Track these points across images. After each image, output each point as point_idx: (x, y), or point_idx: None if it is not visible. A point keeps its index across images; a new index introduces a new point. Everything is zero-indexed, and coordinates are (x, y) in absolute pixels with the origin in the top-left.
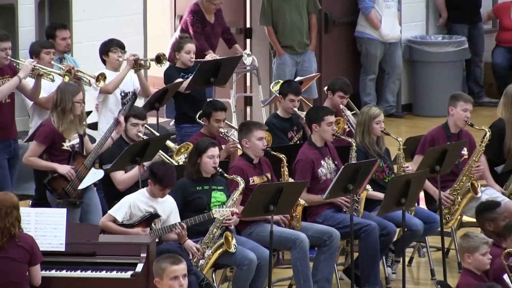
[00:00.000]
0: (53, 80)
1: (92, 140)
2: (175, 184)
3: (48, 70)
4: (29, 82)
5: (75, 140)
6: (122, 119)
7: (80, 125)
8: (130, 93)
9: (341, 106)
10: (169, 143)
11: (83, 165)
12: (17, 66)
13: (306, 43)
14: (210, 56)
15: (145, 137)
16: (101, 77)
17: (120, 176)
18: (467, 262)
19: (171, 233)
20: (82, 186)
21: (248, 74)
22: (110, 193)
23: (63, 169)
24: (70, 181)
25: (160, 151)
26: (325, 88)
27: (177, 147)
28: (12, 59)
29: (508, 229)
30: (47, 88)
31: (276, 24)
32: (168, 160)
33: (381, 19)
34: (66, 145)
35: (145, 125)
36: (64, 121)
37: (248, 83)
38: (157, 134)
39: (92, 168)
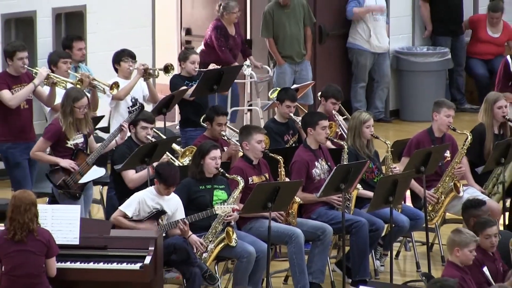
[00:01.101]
0: (66, 88)
1: (101, 141)
2: (181, 183)
3: (62, 79)
4: (46, 90)
5: (79, 139)
6: (125, 126)
7: (84, 126)
8: (138, 103)
9: (333, 111)
10: (174, 145)
11: (85, 162)
12: (34, 75)
13: (303, 53)
14: (212, 65)
15: (153, 140)
16: (115, 85)
17: (131, 175)
18: (455, 255)
19: (176, 228)
20: (83, 180)
21: (247, 83)
22: (121, 191)
23: (65, 162)
24: (71, 174)
25: (167, 152)
26: (319, 94)
27: (182, 149)
28: (29, 68)
29: (480, 226)
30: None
31: (276, 35)
32: (174, 161)
33: (370, 31)
34: (70, 143)
35: (153, 128)
36: (65, 122)
37: (247, 90)
38: (164, 137)
39: (94, 166)
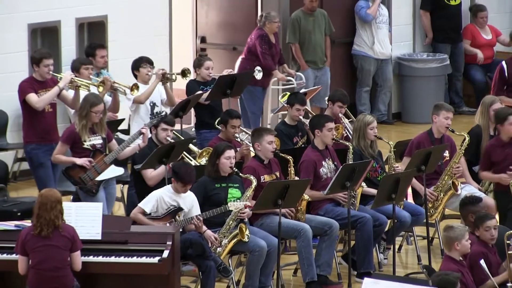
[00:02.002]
0: (89, 91)
1: (121, 143)
2: (197, 181)
3: (85, 82)
4: (70, 94)
5: (97, 141)
6: (146, 130)
7: (100, 130)
8: (162, 109)
9: (340, 114)
10: (192, 146)
11: (102, 161)
12: (58, 80)
13: (324, 60)
14: (226, 71)
15: (171, 141)
16: (135, 87)
17: (150, 174)
18: (455, 249)
19: (191, 224)
20: (100, 178)
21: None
22: (141, 189)
23: (80, 160)
24: (87, 171)
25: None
26: (326, 98)
27: (199, 150)
28: (54, 73)
29: (480, 219)
30: None
31: (302, 42)
32: (190, 160)
33: (374, 39)
34: (87, 144)
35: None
36: (79, 124)
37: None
38: (182, 138)
39: (112, 165)
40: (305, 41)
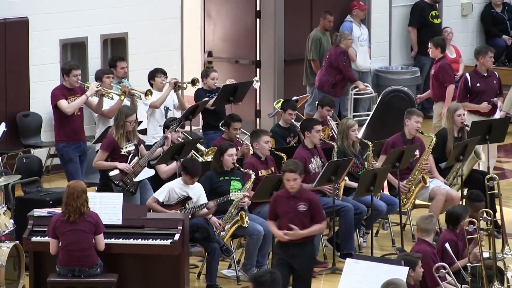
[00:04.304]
0: (112, 99)
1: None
2: (204, 175)
3: (108, 91)
4: (94, 100)
5: (131, 148)
6: (169, 135)
7: (133, 137)
8: (175, 113)
9: (327, 118)
10: (199, 145)
11: (137, 164)
12: (85, 88)
13: None
14: (229, 81)
15: (182, 140)
16: (149, 92)
17: (163, 168)
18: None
19: (201, 210)
20: (137, 179)
21: (257, 93)
22: (155, 182)
23: (122, 165)
24: (127, 175)
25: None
26: (316, 103)
27: (206, 149)
28: (81, 82)
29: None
30: (109, 103)
31: (320, 58)
32: (198, 157)
33: (356, 54)
34: (124, 151)
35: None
36: (117, 133)
37: (257, 100)
38: (191, 138)
39: (145, 168)
40: (324, 57)
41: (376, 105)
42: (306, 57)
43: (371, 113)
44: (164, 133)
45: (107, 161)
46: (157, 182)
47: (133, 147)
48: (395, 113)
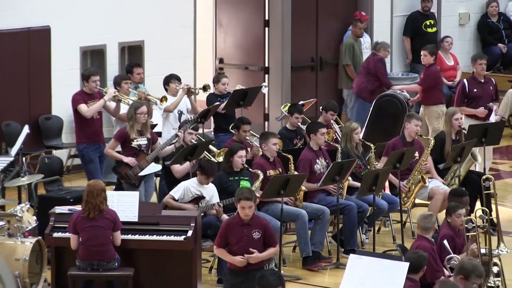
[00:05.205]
0: (128, 104)
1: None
2: (215, 175)
3: (125, 97)
4: (112, 105)
5: (143, 142)
6: (180, 134)
7: (146, 131)
8: (193, 117)
9: (331, 121)
10: (211, 147)
11: (144, 159)
12: (104, 93)
13: None
14: (239, 86)
15: (195, 142)
16: (163, 98)
17: (177, 168)
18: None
19: (213, 209)
20: (142, 173)
21: (265, 98)
22: (169, 180)
23: (127, 159)
24: (132, 168)
25: (205, 151)
26: (320, 107)
27: (218, 151)
28: (100, 87)
29: (452, 208)
30: (125, 108)
31: (354, 63)
32: (210, 157)
33: None
34: (134, 144)
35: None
36: (128, 125)
37: (266, 105)
38: (203, 140)
39: (152, 163)
40: (357, 62)
41: (371, 110)
42: (340, 62)
43: (367, 117)
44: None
45: (119, 153)
46: (170, 180)
47: (145, 142)
48: (388, 117)
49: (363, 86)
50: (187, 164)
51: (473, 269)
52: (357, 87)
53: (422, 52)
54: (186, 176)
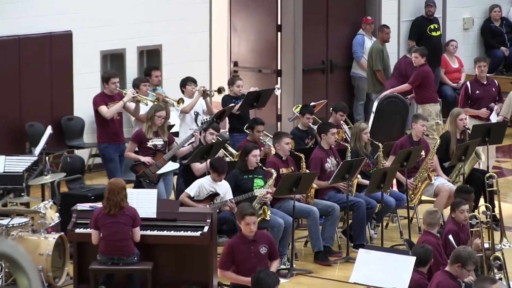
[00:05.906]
0: (146, 105)
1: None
2: (230, 173)
3: (144, 98)
4: (132, 106)
5: (159, 142)
6: (197, 134)
7: (163, 133)
8: (209, 117)
9: (341, 121)
10: (230, 148)
11: (162, 158)
12: (123, 94)
13: None
14: (253, 88)
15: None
16: (180, 100)
17: (198, 166)
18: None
19: (226, 205)
20: (160, 171)
21: (278, 99)
22: (187, 178)
23: (144, 158)
24: (150, 167)
25: (222, 149)
26: (331, 109)
27: (236, 153)
28: (120, 89)
29: (456, 204)
30: (144, 109)
31: (383, 68)
32: (227, 156)
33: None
34: (150, 144)
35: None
36: (145, 125)
37: (279, 106)
38: (219, 139)
39: (170, 161)
40: (386, 67)
41: (374, 111)
42: (370, 67)
43: (371, 117)
44: (200, 134)
45: (137, 153)
46: (187, 179)
47: (161, 142)
48: (391, 117)
49: (394, 85)
50: (205, 163)
51: (469, 256)
52: (388, 87)
53: (413, 54)
54: (204, 175)
